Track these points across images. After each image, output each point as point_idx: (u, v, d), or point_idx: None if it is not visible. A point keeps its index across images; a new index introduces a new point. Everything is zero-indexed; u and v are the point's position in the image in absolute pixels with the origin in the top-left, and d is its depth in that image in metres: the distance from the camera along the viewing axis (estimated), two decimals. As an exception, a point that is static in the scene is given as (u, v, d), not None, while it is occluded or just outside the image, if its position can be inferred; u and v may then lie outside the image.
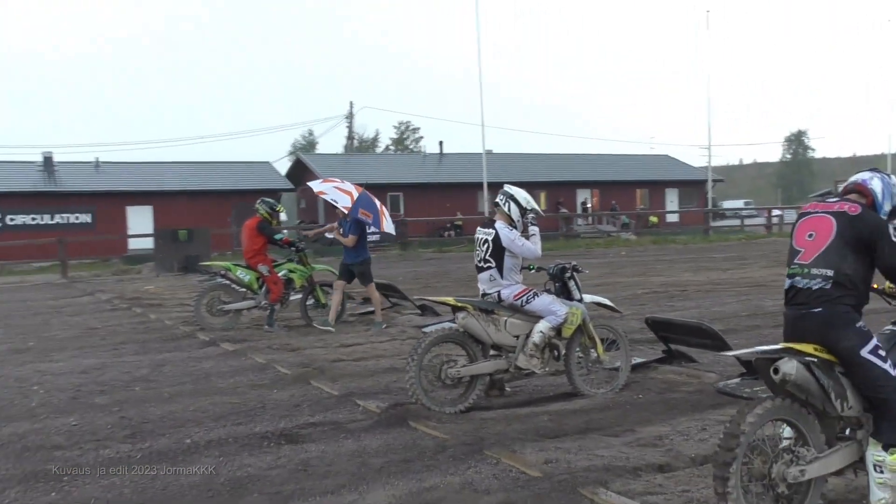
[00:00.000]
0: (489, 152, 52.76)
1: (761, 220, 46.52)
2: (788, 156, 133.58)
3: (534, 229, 6.84)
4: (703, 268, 20.03)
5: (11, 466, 5.40)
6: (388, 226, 11.21)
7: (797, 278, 4.17)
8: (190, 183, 40.68)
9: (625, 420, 6.09)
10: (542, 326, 6.49)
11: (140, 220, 37.71)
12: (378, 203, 11.04)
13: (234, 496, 4.71)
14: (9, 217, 36.27)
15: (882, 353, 3.98)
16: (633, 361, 7.57)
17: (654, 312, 10.57)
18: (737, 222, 50.15)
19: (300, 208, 50.55)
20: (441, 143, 52.26)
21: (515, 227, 6.76)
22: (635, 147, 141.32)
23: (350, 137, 59.91)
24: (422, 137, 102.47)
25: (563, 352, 6.68)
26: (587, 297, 6.97)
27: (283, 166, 53.38)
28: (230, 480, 4.98)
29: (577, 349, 6.83)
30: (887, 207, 4.28)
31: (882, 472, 3.92)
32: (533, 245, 6.67)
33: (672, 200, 51.46)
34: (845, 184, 4.44)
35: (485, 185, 35.99)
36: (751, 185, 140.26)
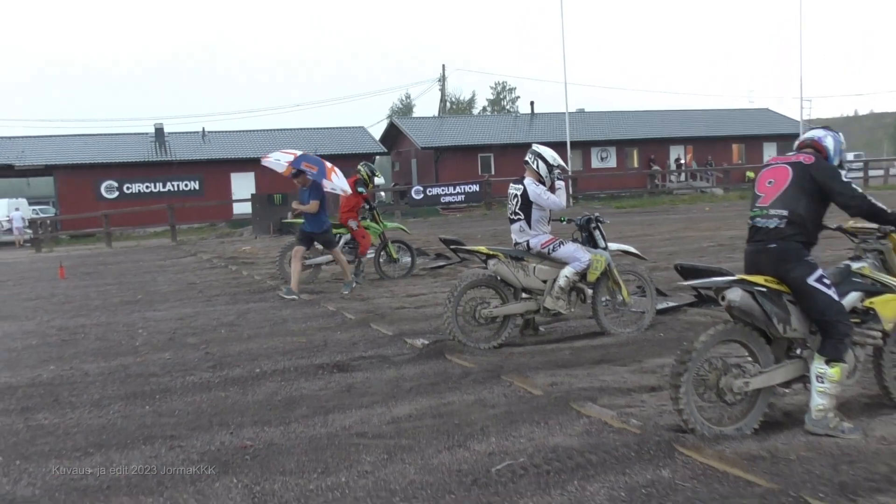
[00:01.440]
0: (581, 111, 52.94)
1: (878, 173, 44.64)
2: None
3: (559, 184, 7.55)
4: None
5: (117, 388, 6.59)
6: (339, 183, 11.51)
7: (757, 219, 4.83)
8: (290, 149, 42.40)
9: (638, 354, 6.80)
10: (567, 271, 7.25)
11: (244, 186, 39.67)
12: (327, 164, 11.56)
13: (286, 409, 5.71)
14: (125, 186, 38.87)
15: (827, 281, 4.60)
16: (664, 305, 8.22)
17: (713, 263, 11.06)
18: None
19: (395, 171, 51.93)
20: (532, 103, 52.46)
21: (544, 183, 7.49)
22: (735, 102, 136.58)
23: (443, 100, 60.60)
24: (518, 97, 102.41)
25: (590, 294, 7.42)
26: (613, 245, 7.67)
27: (379, 130, 54.74)
28: (285, 398, 6.00)
29: (604, 293, 7.54)
30: (836, 162, 4.86)
31: (823, 382, 4.56)
32: (557, 198, 7.40)
33: (770, 155, 50.18)
34: (800, 139, 5.01)
35: (567, 145, 36.24)
36: (869, 137, 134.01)
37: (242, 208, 33.80)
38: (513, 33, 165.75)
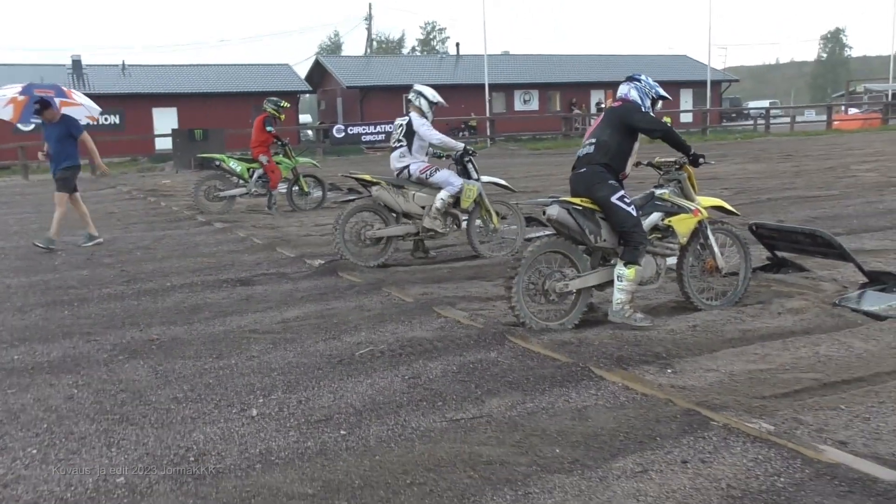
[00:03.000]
0: (506, 53, 53.65)
1: (786, 121, 46.68)
2: (825, 55, 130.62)
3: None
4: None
5: (38, 298, 7.33)
6: (86, 102, 10.86)
7: (581, 150, 5.85)
8: (212, 85, 42.18)
9: (505, 272, 7.82)
10: (443, 194, 8.22)
11: (165, 122, 39.36)
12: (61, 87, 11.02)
13: (191, 313, 6.57)
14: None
15: (627, 200, 5.65)
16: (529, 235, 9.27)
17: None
18: (750, 123, 50.58)
19: (320, 110, 51.97)
20: (458, 45, 52.90)
21: (426, 118, 8.40)
22: (657, 49, 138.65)
23: (369, 39, 60.44)
24: (448, 38, 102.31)
25: (465, 220, 8.42)
26: (485, 178, 8.65)
27: (305, 69, 54.49)
28: (191, 305, 6.85)
29: (477, 219, 8.54)
30: (648, 103, 5.89)
31: (622, 281, 5.64)
32: (438, 135, 8.32)
33: (686, 101, 51.94)
34: (618, 96, 6.02)
35: (486, 87, 37.00)
36: (788, 85, 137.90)
37: (164, 143, 33.74)
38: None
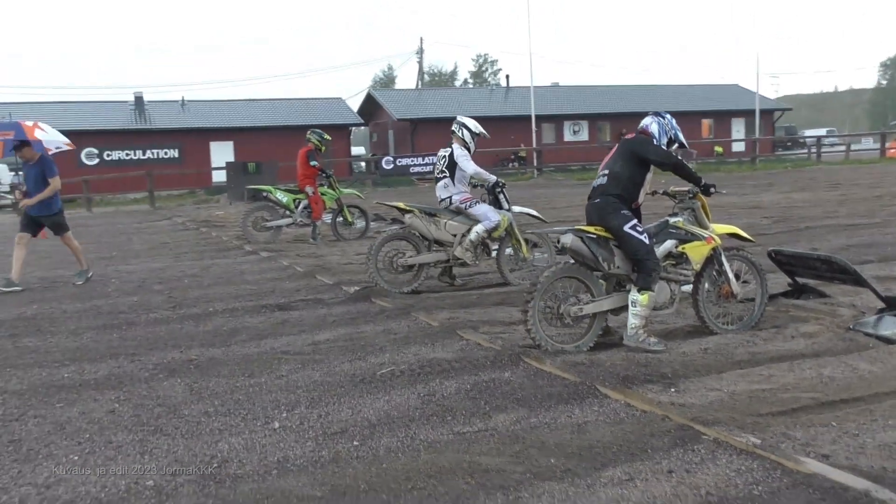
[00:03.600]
0: (555, 85, 54.05)
1: (842, 149, 46.03)
2: (884, 82, 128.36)
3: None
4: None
5: (90, 321, 7.82)
6: (54, 137, 10.59)
7: (595, 181, 6.10)
8: (267, 119, 43.39)
9: (522, 297, 8.07)
10: (479, 228, 8.51)
11: (222, 155, 40.57)
12: (25, 123, 10.63)
13: (229, 336, 6.96)
14: (105, 153, 39.71)
15: (639, 229, 5.87)
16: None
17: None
18: (804, 152, 49.96)
19: (372, 142, 52.92)
20: (507, 76, 53.57)
21: (469, 149, 8.73)
22: (708, 78, 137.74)
23: (420, 72, 61.45)
24: (499, 70, 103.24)
25: (495, 249, 8.70)
26: (516, 208, 8.93)
27: (358, 102, 55.59)
28: (230, 329, 7.25)
29: (508, 248, 8.81)
30: (664, 141, 6.13)
31: (636, 306, 5.85)
32: (473, 166, 8.62)
33: (738, 130, 51.60)
34: (640, 126, 6.27)
35: (532, 118, 37.29)
36: (847, 113, 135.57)
37: (220, 176, 34.78)
38: (494, 7, 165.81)
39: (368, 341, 6.51)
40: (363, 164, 40.13)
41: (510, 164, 43.93)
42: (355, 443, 4.29)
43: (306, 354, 6.19)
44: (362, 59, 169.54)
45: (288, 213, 13.57)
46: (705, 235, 6.18)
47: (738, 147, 49.01)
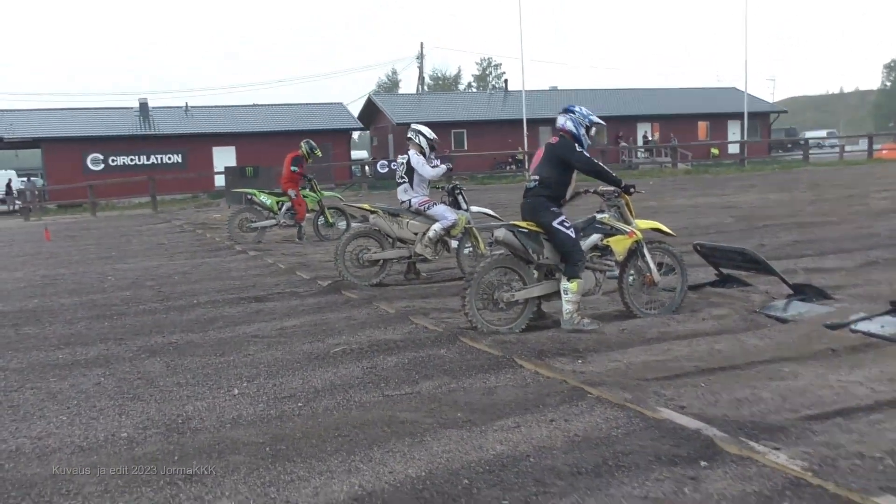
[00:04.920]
0: (554, 89, 54.83)
1: (850, 149, 46.64)
2: (888, 83, 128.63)
3: (436, 161, 9.56)
4: (700, 194, 22.21)
5: (85, 313, 8.62)
6: None
7: (528, 182, 6.87)
8: (269, 124, 44.28)
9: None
10: (437, 226, 9.29)
11: (225, 159, 41.39)
12: None
13: (208, 323, 7.75)
14: (111, 158, 40.64)
15: (567, 224, 6.64)
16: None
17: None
18: (800, 154, 50.57)
19: (373, 146, 53.76)
20: (506, 81, 54.38)
21: (425, 155, 9.51)
22: (707, 81, 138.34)
23: (420, 77, 62.34)
24: (503, 73, 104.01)
25: (454, 246, 9.48)
26: (474, 208, 9.72)
27: (359, 107, 56.48)
28: (209, 318, 8.04)
29: (468, 244, 9.59)
30: (583, 131, 6.88)
31: (567, 294, 6.61)
32: (431, 169, 9.41)
33: (734, 132, 52.24)
34: (557, 125, 7.04)
35: (524, 122, 38.02)
36: (852, 114, 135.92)
37: (223, 180, 35.64)
38: (496, 11, 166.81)
39: (330, 326, 7.29)
40: (362, 167, 40.98)
41: (507, 167, 44.76)
42: (299, 404, 5.07)
43: (273, 338, 6.98)
44: (366, 64, 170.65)
45: (272, 214, 14.37)
46: (627, 230, 6.95)
47: (735, 149, 49.64)
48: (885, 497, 3.30)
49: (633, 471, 3.75)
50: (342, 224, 14.92)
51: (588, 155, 6.83)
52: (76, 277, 11.48)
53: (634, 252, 7.07)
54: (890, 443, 3.93)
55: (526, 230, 6.67)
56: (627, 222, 7.03)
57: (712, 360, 5.59)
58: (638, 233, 7.02)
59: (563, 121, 6.94)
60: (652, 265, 7.08)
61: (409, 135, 9.63)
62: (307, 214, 14.47)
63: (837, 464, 3.69)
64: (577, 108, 6.98)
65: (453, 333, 6.59)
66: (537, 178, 6.77)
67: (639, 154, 48.82)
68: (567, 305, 6.63)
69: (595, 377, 5.22)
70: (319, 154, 14.82)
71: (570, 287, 6.60)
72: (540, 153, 6.96)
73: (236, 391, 5.44)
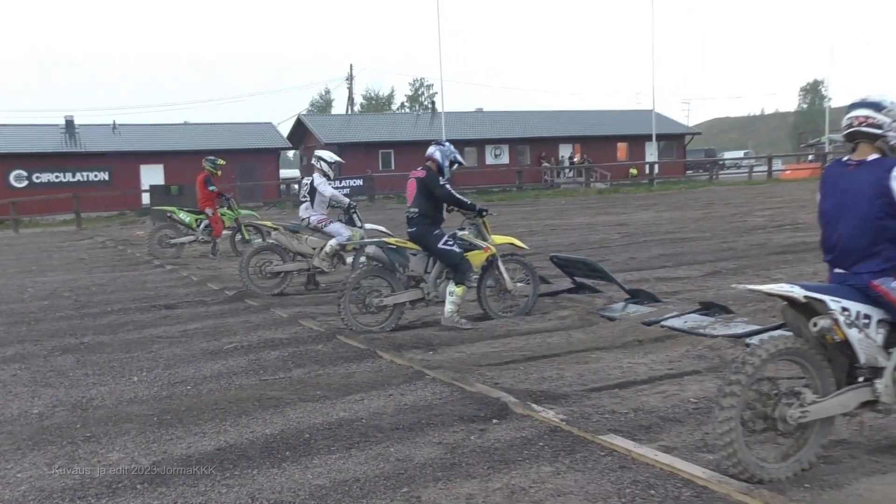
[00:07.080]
0: (479, 111, 56.48)
1: (761, 170, 49.00)
2: (805, 105, 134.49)
3: (346, 190, 10.63)
4: (602, 213, 23.71)
5: (4, 320, 9.40)
6: None
7: (407, 213, 7.97)
8: (198, 143, 44.65)
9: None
10: (333, 242, 10.35)
11: (152, 178, 41.64)
12: None
13: (119, 327, 8.64)
14: (35, 175, 40.55)
15: (450, 242, 7.77)
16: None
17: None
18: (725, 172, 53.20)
19: (302, 165, 54.47)
20: (433, 102, 56.04)
21: (328, 177, 10.57)
22: (626, 103, 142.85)
23: (350, 98, 63.36)
24: (435, 94, 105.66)
25: (349, 260, 10.55)
26: (368, 226, 10.81)
27: (288, 127, 57.19)
28: (122, 322, 8.93)
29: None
30: (447, 164, 8.04)
31: (452, 296, 7.73)
32: (331, 189, 10.48)
33: (651, 154, 54.55)
34: (427, 154, 8.17)
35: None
36: (773, 135, 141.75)
37: (149, 198, 36.00)
38: (427, 32, 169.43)
39: (228, 328, 8.27)
40: (286, 186, 41.69)
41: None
42: (188, 388, 6.06)
43: (175, 338, 7.93)
44: (299, 84, 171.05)
45: (191, 231, 15.21)
46: (483, 246, 8.11)
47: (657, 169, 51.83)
48: (610, 436, 4.47)
49: (438, 426, 4.85)
50: (258, 240, 15.80)
51: (449, 188, 7.95)
52: (-4, 289, 12.17)
53: (491, 264, 8.23)
54: (640, 403, 5.13)
55: (394, 247, 7.79)
56: (484, 238, 8.19)
57: (540, 350, 6.76)
58: (493, 248, 8.19)
59: (434, 150, 8.09)
60: (505, 275, 8.24)
61: (312, 161, 10.69)
62: (224, 231, 15.32)
63: (591, 417, 4.86)
64: (446, 145, 8.14)
65: (332, 333, 7.65)
66: (416, 210, 7.86)
67: (560, 174, 50.62)
68: (449, 306, 7.75)
69: (437, 364, 6.33)
70: (223, 162, 15.45)
71: (455, 290, 7.73)
72: (412, 185, 8.02)
73: (136, 379, 6.40)
